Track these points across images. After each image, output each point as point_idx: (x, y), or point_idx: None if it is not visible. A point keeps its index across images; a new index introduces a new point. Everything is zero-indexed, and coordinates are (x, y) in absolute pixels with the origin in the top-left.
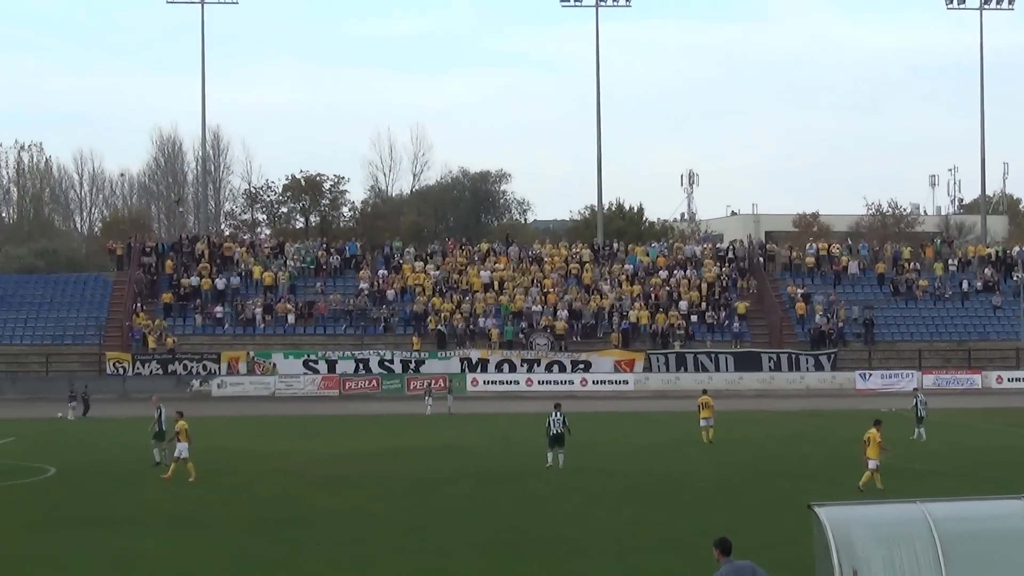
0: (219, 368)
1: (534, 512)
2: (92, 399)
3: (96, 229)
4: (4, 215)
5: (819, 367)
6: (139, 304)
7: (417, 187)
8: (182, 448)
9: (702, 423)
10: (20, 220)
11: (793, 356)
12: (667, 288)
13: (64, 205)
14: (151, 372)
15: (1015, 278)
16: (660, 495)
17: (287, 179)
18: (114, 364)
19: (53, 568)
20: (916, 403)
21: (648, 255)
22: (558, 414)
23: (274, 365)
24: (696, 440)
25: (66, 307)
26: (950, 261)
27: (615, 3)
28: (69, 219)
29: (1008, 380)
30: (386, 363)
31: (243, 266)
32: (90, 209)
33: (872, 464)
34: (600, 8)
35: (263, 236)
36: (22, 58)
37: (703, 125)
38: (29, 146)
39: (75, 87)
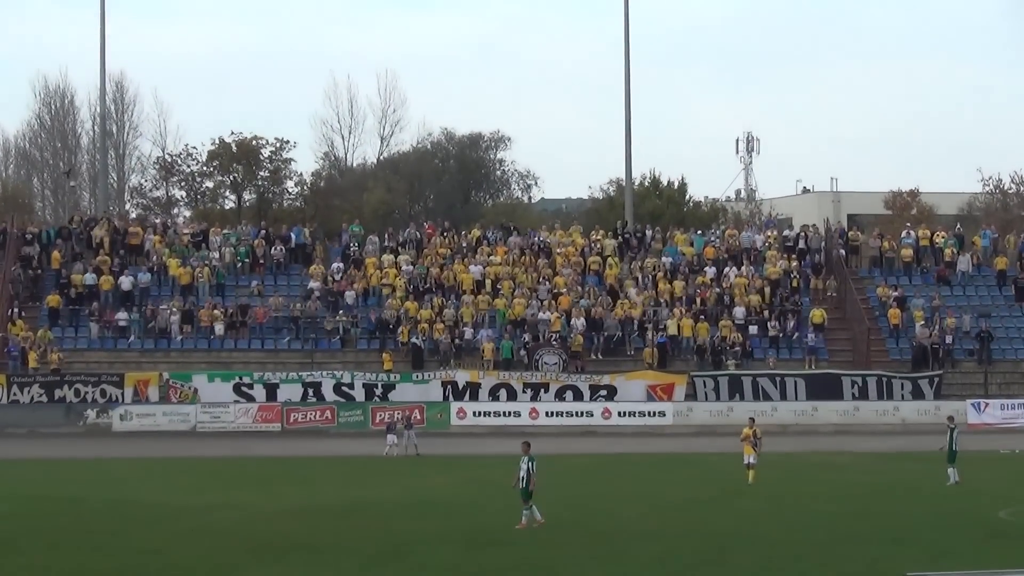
0: (122, 394)
1: None
2: None
3: None
4: None
5: (919, 394)
6: (16, 309)
7: (386, 154)
8: None
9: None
10: None
11: (884, 380)
12: (717, 290)
13: None
14: (32, 399)
15: None
16: (705, 565)
17: (213, 144)
18: None
19: None
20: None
21: (692, 245)
22: (533, 457)
23: (195, 390)
24: (756, 492)
25: None
26: None
27: None
28: None
29: None
30: (344, 388)
31: (155, 259)
32: None
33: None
34: None
35: (181, 219)
36: None
37: (766, 76)
38: None
39: None
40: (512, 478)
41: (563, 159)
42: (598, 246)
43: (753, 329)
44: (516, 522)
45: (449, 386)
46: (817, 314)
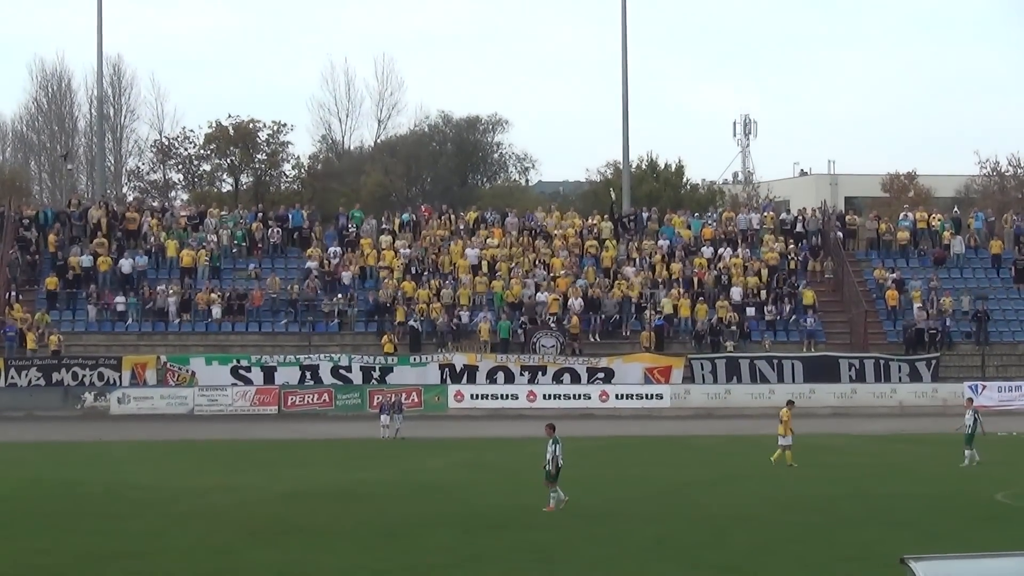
0: (120, 377)
1: (537, 569)
2: None
3: None
4: None
5: (916, 376)
6: (14, 292)
7: (383, 137)
8: None
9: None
10: None
11: (881, 362)
12: (715, 271)
13: None
14: (30, 382)
15: None
16: (703, 547)
17: (210, 127)
18: None
19: None
20: (972, 419)
21: (690, 227)
22: (558, 440)
23: (192, 373)
24: (753, 475)
25: None
26: None
27: None
28: None
29: None
30: (341, 371)
31: (152, 241)
32: None
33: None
34: None
35: (179, 202)
36: None
37: (763, 58)
38: None
39: None
40: (542, 461)
41: (560, 142)
42: (596, 229)
43: (751, 311)
44: (519, 507)
45: (447, 369)
46: (808, 295)
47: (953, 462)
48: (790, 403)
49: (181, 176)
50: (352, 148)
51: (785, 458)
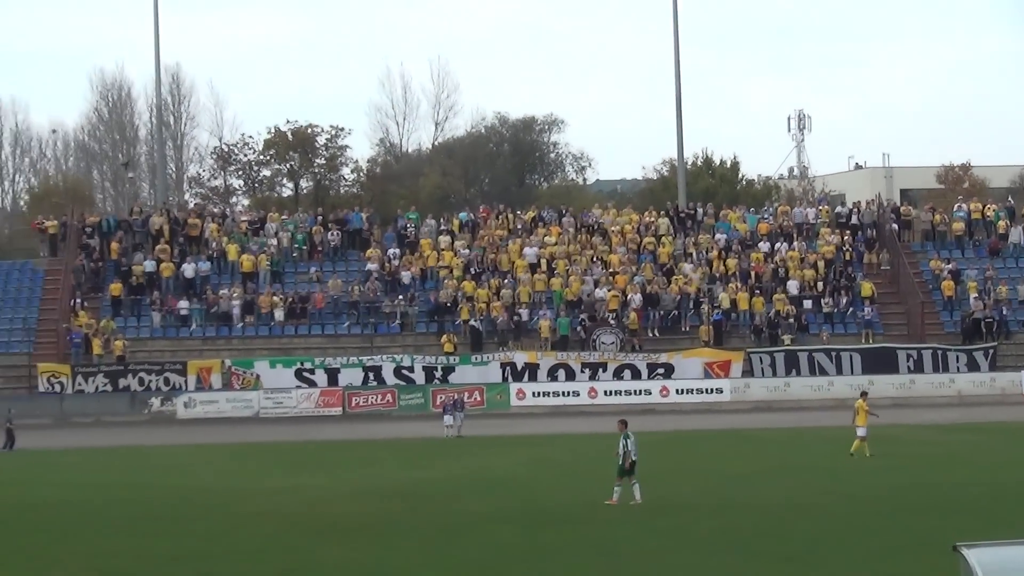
0: (185, 382)
1: (600, 563)
2: (18, 426)
3: (21, 203)
4: None
5: (974, 366)
6: (79, 299)
7: (440, 140)
8: None
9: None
10: None
11: (939, 352)
12: (772, 265)
13: None
14: (97, 388)
15: None
16: (764, 538)
17: (269, 133)
18: (48, 379)
19: None
20: None
21: (746, 222)
22: (632, 435)
23: (257, 376)
24: (813, 466)
25: None
26: None
27: None
28: None
29: None
30: (404, 371)
31: (214, 247)
32: (12, 176)
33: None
34: None
35: (240, 208)
36: None
37: (817, 53)
38: None
39: None
40: (610, 455)
41: (617, 141)
42: (653, 225)
43: (808, 304)
44: (580, 502)
45: (508, 367)
46: (867, 287)
47: (1014, 450)
48: (864, 394)
49: (241, 182)
50: (410, 151)
51: (863, 449)
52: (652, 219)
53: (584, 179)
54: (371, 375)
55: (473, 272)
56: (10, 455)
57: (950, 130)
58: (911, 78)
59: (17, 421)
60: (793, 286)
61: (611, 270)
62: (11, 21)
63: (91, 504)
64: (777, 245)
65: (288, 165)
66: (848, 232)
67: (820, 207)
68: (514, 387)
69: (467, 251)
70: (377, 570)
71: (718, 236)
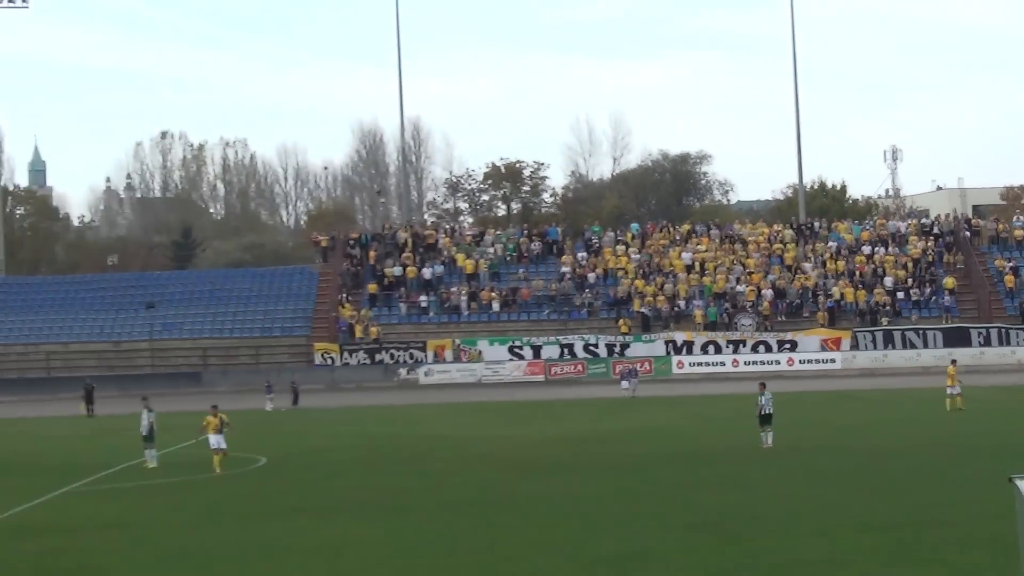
0: (425, 356)
1: (739, 493)
2: (301, 390)
3: (301, 222)
4: (212, 211)
5: None
6: (345, 295)
7: (617, 171)
8: (218, 440)
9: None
10: (227, 216)
11: (1004, 331)
12: (872, 265)
13: (270, 200)
14: (359, 362)
15: None
16: (865, 474)
17: (487, 167)
18: (322, 355)
19: (265, 555)
20: None
21: (851, 232)
22: (768, 393)
23: (480, 352)
24: (906, 419)
25: (274, 300)
26: None
27: None
28: (275, 213)
29: None
30: (591, 347)
31: (446, 254)
32: (295, 203)
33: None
34: None
35: (465, 224)
36: (225, 57)
37: (906, 98)
38: (234, 143)
39: (277, 84)
40: (756, 409)
41: (752, 169)
42: (780, 235)
43: (900, 295)
44: (728, 447)
45: (670, 344)
46: (949, 281)
47: None
48: (954, 361)
49: (467, 204)
50: (594, 179)
51: (956, 403)
52: (780, 230)
53: (727, 199)
54: (566, 350)
55: (643, 272)
56: (295, 411)
57: (1013, 156)
58: (984, 112)
59: (298, 386)
60: (888, 281)
61: (748, 270)
62: (294, 83)
63: (354, 449)
64: (876, 249)
65: (502, 191)
66: (931, 239)
67: (909, 220)
68: (675, 359)
69: (638, 256)
70: (567, 498)
71: (830, 243)
